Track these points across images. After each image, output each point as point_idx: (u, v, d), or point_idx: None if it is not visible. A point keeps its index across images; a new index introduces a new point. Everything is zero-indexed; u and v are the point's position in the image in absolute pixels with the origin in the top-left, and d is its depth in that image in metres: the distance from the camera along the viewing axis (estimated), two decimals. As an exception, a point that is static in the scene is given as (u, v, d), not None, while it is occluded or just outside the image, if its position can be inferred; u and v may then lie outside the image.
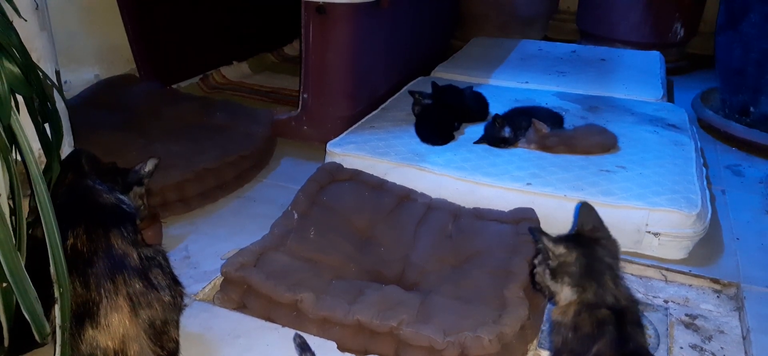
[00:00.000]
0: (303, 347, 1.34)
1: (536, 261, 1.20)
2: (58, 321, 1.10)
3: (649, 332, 1.49)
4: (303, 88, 2.42)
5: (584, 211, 1.24)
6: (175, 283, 1.29)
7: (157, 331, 1.19)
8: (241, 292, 1.52)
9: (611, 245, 1.20)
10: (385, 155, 2.08)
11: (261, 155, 2.32)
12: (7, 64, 1.16)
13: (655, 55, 3.34)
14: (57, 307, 1.10)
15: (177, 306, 1.27)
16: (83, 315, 1.14)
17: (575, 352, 1.09)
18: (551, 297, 1.17)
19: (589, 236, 1.19)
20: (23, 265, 1.10)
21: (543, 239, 1.15)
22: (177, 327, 1.26)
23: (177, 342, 1.25)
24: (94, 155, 1.53)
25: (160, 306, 1.20)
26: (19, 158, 1.20)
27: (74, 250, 1.20)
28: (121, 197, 1.37)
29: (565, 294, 1.12)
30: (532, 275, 1.23)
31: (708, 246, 1.82)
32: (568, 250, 1.13)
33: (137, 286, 1.18)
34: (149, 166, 1.55)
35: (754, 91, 2.54)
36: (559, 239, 1.16)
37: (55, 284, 1.10)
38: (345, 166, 2.05)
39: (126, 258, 1.20)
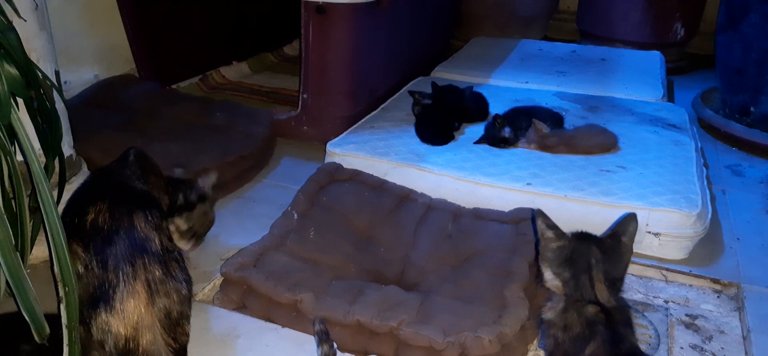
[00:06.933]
0: (321, 335, 1.27)
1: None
2: (64, 320, 1.07)
3: (649, 332, 1.49)
4: (303, 88, 2.42)
5: (627, 219, 1.17)
6: (188, 280, 1.25)
7: (173, 322, 1.15)
8: (241, 292, 1.52)
9: (618, 250, 1.13)
10: (385, 155, 2.08)
11: (261, 155, 2.31)
12: (6, 66, 1.16)
13: (656, 55, 3.34)
14: (62, 306, 1.07)
15: (191, 302, 1.24)
16: (98, 299, 1.10)
17: (569, 354, 1.08)
18: (540, 280, 1.18)
19: (599, 238, 1.16)
20: (24, 266, 1.10)
21: (539, 220, 1.16)
22: (189, 322, 1.23)
23: (188, 337, 1.22)
24: (149, 158, 1.49)
25: (178, 297, 1.16)
26: (20, 158, 1.20)
27: (93, 226, 1.15)
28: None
29: (547, 276, 1.14)
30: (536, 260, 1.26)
31: (708, 246, 1.82)
32: (556, 235, 1.14)
33: (157, 273, 1.14)
34: (211, 180, 1.59)
35: (754, 91, 2.54)
36: (554, 226, 1.16)
37: (59, 283, 1.08)
38: (345, 166, 2.05)
39: (148, 242, 1.16)
